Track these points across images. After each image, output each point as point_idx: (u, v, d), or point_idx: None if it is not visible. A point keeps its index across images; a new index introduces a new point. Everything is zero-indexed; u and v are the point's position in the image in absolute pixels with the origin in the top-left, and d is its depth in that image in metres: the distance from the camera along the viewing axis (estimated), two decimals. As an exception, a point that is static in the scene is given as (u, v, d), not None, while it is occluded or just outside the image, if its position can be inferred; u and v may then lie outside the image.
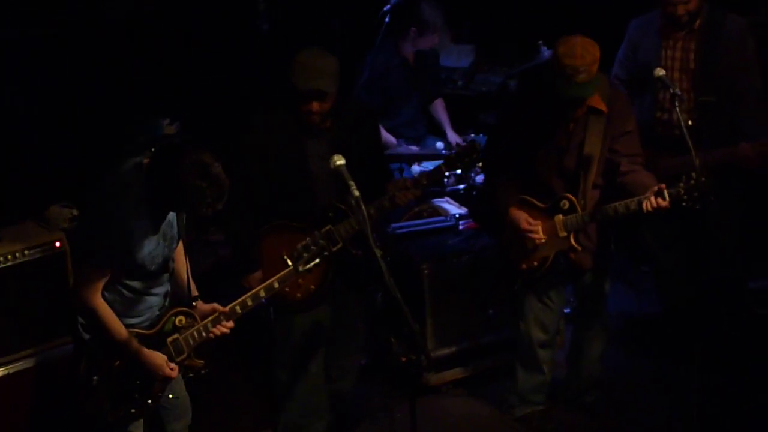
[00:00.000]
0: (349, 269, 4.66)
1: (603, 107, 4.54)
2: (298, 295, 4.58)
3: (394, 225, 5.81)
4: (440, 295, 5.50)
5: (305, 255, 4.17)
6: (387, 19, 6.33)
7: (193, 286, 4.20)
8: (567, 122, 4.59)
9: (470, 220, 5.89)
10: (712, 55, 5.11)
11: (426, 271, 5.48)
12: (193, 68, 6.56)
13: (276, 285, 4.20)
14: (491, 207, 4.92)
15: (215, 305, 4.13)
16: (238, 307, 4.14)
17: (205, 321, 4.10)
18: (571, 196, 4.66)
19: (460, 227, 5.83)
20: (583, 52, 4.36)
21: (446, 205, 6.05)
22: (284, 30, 6.65)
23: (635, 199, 4.45)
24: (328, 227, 4.51)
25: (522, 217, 4.69)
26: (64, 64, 5.97)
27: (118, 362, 3.98)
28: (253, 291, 4.19)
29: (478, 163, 6.10)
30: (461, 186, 6.17)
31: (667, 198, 4.37)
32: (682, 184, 4.38)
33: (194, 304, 4.15)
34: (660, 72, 4.42)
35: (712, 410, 4.92)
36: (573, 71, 4.33)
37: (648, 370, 5.55)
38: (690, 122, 4.67)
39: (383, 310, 5.59)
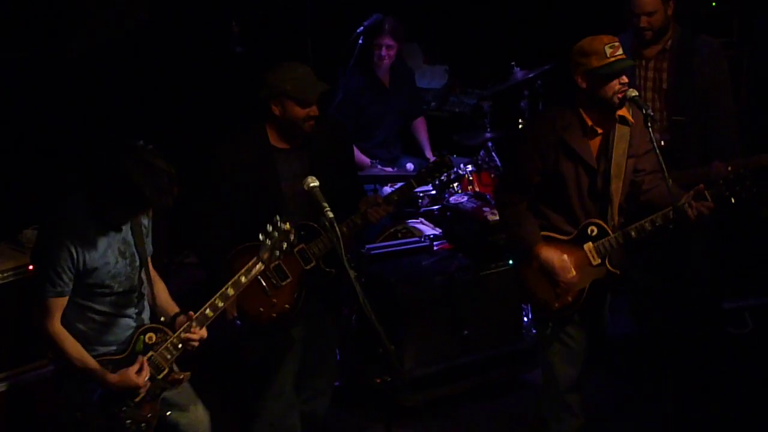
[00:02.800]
0: (322, 289, 4.64)
1: (630, 118, 4.44)
2: (273, 314, 4.55)
3: (368, 246, 5.81)
4: (415, 315, 5.49)
5: (268, 243, 4.06)
6: (360, 41, 6.36)
7: (171, 303, 4.20)
8: (603, 132, 4.44)
9: (444, 240, 5.91)
10: (684, 76, 5.13)
11: (400, 292, 5.47)
12: (168, 91, 6.54)
13: (243, 279, 4.07)
14: (512, 242, 4.68)
15: (190, 313, 4.06)
16: (208, 310, 4.03)
17: (178, 332, 4.03)
18: (598, 221, 4.47)
19: (435, 248, 5.85)
20: (603, 36, 4.32)
21: (420, 226, 6.06)
22: (258, 53, 6.67)
23: (673, 206, 4.29)
24: (300, 246, 4.47)
25: (554, 256, 4.44)
26: (37, 89, 5.92)
27: (98, 392, 3.95)
28: (221, 290, 4.06)
29: (452, 183, 6.20)
30: (435, 207, 6.17)
31: (710, 198, 4.28)
32: (721, 182, 4.30)
33: (177, 318, 4.09)
34: (633, 93, 4.37)
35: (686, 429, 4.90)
36: (611, 47, 4.27)
37: (623, 391, 5.52)
38: (663, 142, 4.67)
39: (358, 330, 5.60)
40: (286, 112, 4.47)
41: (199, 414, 4.24)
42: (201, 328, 4.04)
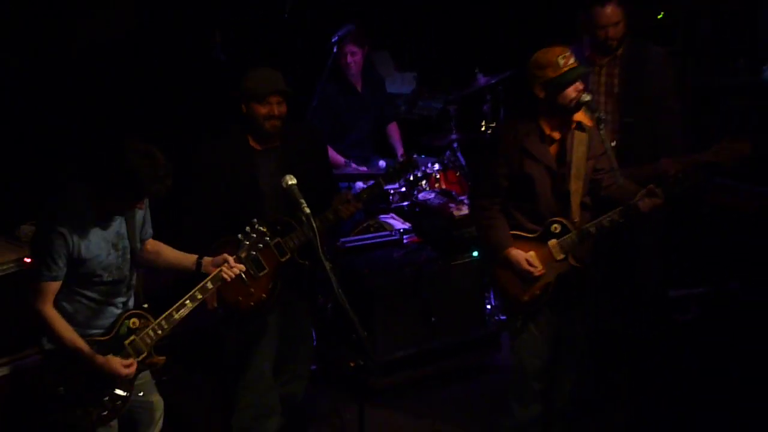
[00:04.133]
0: (297, 279, 4.62)
1: (588, 122, 4.46)
2: (251, 303, 4.54)
3: (343, 239, 5.80)
4: (386, 304, 5.48)
5: (246, 243, 4.12)
6: (335, 50, 6.33)
7: (185, 255, 4.22)
8: (561, 137, 4.47)
9: (413, 234, 5.91)
10: (634, 81, 5.13)
11: (372, 282, 5.47)
12: (157, 93, 6.50)
13: (220, 274, 4.12)
14: (484, 244, 4.72)
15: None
16: (188, 301, 4.07)
17: (159, 319, 4.05)
18: (561, 219, 4.49)
19: (405, 241, 5.83)
20: (555, 47, 4.34)
21: (391, 221, 6.06)
22: (239, 60, 6.63)
23: (629, 203, 4.35)
24: (276, 239, 4.46)
25: (522, 258, 4.49)
26: (35, 89, 5.86)
27: (80, 371, 3.93)
28: (203, 283, 4.10)
29: (420, 181, 6.18)
30: (405, 203, 6.18)
31: (660, 194, 4.32)
32: (670, 178, 4.35)
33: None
34: (586, 97, 4.39)
35: (644, 410, 4.94)
36: (563, 57, 4.30)
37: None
38: (614, 142, 4.65)
39: (333, 318, 5.60)
40: (249, 111, 4.48)
41: (155, 399, 4.24)
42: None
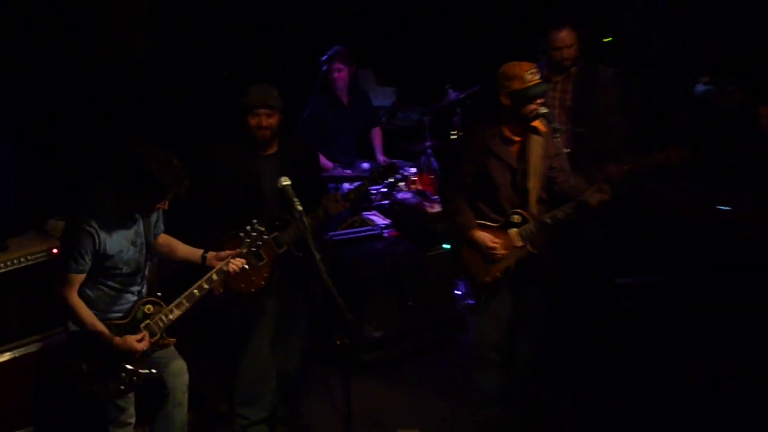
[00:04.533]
0: (292, 269, 4.61)
1: (542, 129, 4.47)
2: (252, 289, 4.53)
3: (331, 233, 5.78)
4: (369, 289, 5.50)
5: (247, 240, 4.14)
6: (324, 68, 6.30)
7: (192, 249, 4.24)
8: (520, 140, 4.47)
9: (393, 229, 5.91)
10: (585, 96, 5.17)
11: (357, 271, 5.49)
12: (170, 105, 6.49)
13: (225, 268, 4.13)
14: (453, 230, 4.69)
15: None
16: (196, 291, 4.09)
17: (171, 305, 4.06)
18: (521, 211, 4.49)
19: (385, 235, 5.85)
20: (524, 63, 4.35)
21: (374, 218, 6.06)
22: (240, 76, 6.62)
23: (580, 198, 4.36)
24: (274, 234, 4.45)
25: (486, 237, 4.48)
26: (61, 99, 5.84)
27: (100, 350, 3.95)
28: (209, 275, 4.11)
29: (399, 183, 6.21)
30: (386, 202, 6.17)
31: (608, 191, 4.34)
32: (616, 179, 4.37)
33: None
34: (544, 110, 4.37)
35: (599, 389, 4.91)
36: (531, 73, 4.31)
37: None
38: (567, 149, 4.68)
39: (323, 302, 5.54)
40: (244, 121, 4.46)
41: (179, 365, 4.22)
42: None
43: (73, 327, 3.96)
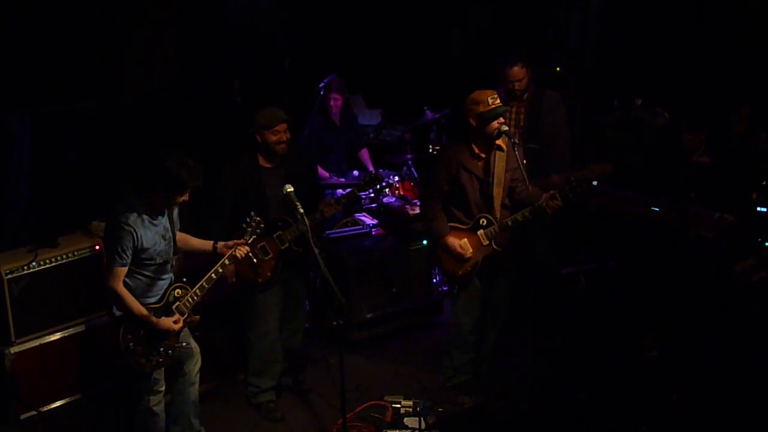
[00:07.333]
0: (294, 262, 4.63)
1: (504, 146, 4.54)
2: (260, 280, 4.55)
3: (328, 232, 5.78)
4: (359, 279, 5.48)
5: (248, 230, 4.16)
6: (321, 93, 6.30)
7: (202, 242, 4.20)
8: (486, 156, 4.49)
9: (380, 228, 5.89)
10: (535, 117, 5.19)
11: (349, 263, 5.46)
12: (190, 127, 6.52)
13: (234, 253, 4.14)
14: (429, 232, 4.71)
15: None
16: (213, 274, 4.12)
17: (194, 288, 4.08)
18: (487, 214, 4.54)
19: (373, 233, 5.83)
20: (487, 90, 4.42)
21: (363, 218, 6.03)
22: (251, 102, 6.67)
23: (535, 204, 4.37)
24: (278, 233, 4.48)
25: (456, 244, 4.53)
26: (96, 124, 5.88)
27: (143, 330, 3.98)
28: (221, 261, 4.12)
29: (384, 189, 6.27)
30: (374, 205, 6.16)
31: (560, 198, 4.37)
32: (567, 187, 4.40)
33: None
34: (505, 128, 4.46)
35: (546, 362, 4.92)
36: (492, 98, 4.38)
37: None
38: (525, 161, 4.78)
39: (320, 289, 5.59)
40: (263, 139, 4.44)
41: (194, 345, 4.26)
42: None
43: (117, 312, 3.95)
